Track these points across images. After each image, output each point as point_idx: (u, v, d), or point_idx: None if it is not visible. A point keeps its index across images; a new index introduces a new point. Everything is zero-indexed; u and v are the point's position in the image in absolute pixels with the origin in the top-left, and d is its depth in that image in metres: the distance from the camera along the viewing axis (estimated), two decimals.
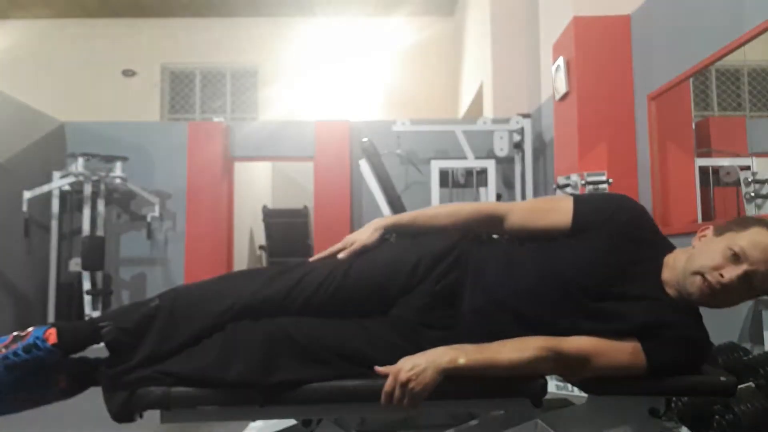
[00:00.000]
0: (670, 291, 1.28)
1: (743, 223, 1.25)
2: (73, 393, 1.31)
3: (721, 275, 1.19)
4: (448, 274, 1.31)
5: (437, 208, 1.47)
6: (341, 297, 1.29)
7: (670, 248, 1.34)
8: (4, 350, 1.23)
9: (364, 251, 1.38)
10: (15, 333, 1.26)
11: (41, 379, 1.27)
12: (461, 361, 1.18)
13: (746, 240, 1.20)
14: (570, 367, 1.25)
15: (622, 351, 1.23)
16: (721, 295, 1.21)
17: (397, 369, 1.17)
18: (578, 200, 1.38)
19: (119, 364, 1.24)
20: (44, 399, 1.29)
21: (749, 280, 1.20)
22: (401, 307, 1.29)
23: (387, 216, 1.45)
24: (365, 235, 1.40)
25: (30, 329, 1.26)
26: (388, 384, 1.17)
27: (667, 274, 1.29)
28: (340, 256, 1.37)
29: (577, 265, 1.29)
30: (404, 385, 1.16)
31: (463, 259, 1.34)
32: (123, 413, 1.22)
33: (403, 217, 1.46)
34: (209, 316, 1.26)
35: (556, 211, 1.37)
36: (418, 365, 1.17)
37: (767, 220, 1.26)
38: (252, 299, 1.27)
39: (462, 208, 1.44)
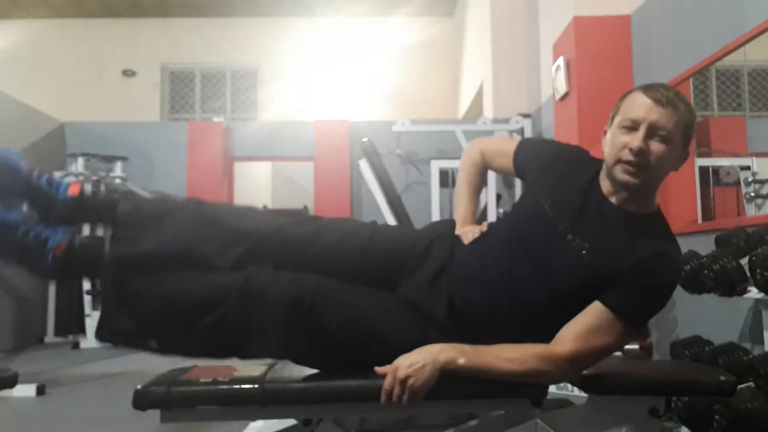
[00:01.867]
0: (616, 199, 1.29)
1: (622, 100, 1.30)
2: (63, 270, 1.26)
3: (630, 148, 1.22)
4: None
5: (459, 189, 1.62)
6: (363, 257, 1.33)
7: (601, 164, 1.36)
8: (33, 171, 1.24)
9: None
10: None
11: (45, 218, 1.26)
12: (460, 361, 1.18)
13: (630, 109, 1.25)
14: (566, 372, 1.26)
15: (602, 331, 1.22)
16: (647, 164, 1.22)
17: (395, 366, 1.18)
18: (520, 146, 1.51)
19: (124, 246, 1.22)
20: (37, 260, 1.23)
21: (657, 136, 1.22)
22: (407, 285, 1.32)
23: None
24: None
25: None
26: (387, 382, 1.18)
27: (605, 187, 1.31)
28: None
29: (532, 224, 1.33)
30: (403, 382, 1.16)
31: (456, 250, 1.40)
32: (106, 333, 1.22)
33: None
34: (232, 233, 1.27)
35: (506, 155, 1.52)
36: (417, 362, 1.17)
37: (643, 85, 1.29)
38: (276, 233, 1.30)
39: (473, 180, 1.60)
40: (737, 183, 2.82)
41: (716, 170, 3.05)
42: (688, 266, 2.17)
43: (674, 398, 1.93)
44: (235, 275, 1.23)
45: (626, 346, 3.06)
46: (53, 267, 1.23)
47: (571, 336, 1.22)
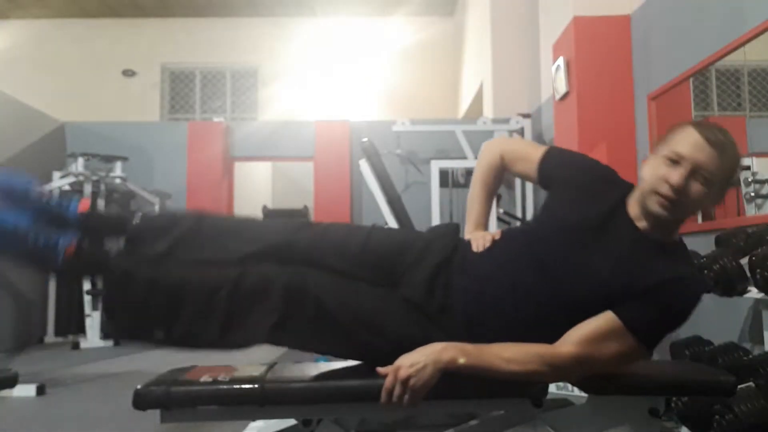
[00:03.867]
0: (641, 225, 1.29)
1: (671, 131, 1.28)
2: (71, 269, 1.32)
3: (670, 183, 1.20)
4: (450, 263, 1.36)
5: (473, 191, 1.57)
6: (363, 255, 1.35)
7: (632, 188, 1.36)
8: (43, 194, 1.33)
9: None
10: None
11: (57, 228, 1.32)
12: (461, 361, 1.18)
13: (678, 142, 1.22)
14: (567, 374, 1.27)
15: (610, 339, 1.21)
16: (680, 201, 1.21)
17: (396, 366, 1.18)
18: (546, 154, 1.44)
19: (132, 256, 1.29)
20: (47, 258, 1.28)
21: (699, 176, 1.20)
22: (406, 284, 1.33)
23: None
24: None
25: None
26: (388, 381, 1.17)
27: (632, 210, 1.30)
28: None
29: (550, 235, 1.32)
30: (404, 382, 1.16)
31: (461, 253, 1.39)
32: (113, 330, 1.28)
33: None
34: (234, 251, 1.31)
35: (530, 161, 1.46)
36: (418, 362, 1.17)
37: (696, 121, 1.27)
38: (279, 243, 1.32)
39: (488, 182, 1.55)
40: (737, 183, 2.81)
41: None
42: None
43: (674, 398, 1.93)
44: (234, 267, 1.28)
45: None
46: (62, 266, 1.29)
47: (576, 339, 1.21)
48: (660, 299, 1.21)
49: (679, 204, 1.22)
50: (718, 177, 1.21)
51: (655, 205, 1.23)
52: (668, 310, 1.23)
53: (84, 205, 1.33)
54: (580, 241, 1.28)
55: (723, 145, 1.20)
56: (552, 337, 1.24)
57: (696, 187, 1.21)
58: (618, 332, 1.21)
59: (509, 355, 1.21)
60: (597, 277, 1.24)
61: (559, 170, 1.41)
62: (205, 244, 1.32)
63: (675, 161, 1.21)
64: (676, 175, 1.20)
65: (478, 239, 1.41)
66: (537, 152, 1.45)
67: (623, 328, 1.20)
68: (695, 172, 1.20)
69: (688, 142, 1.21)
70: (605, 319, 1.22)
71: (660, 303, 1.22)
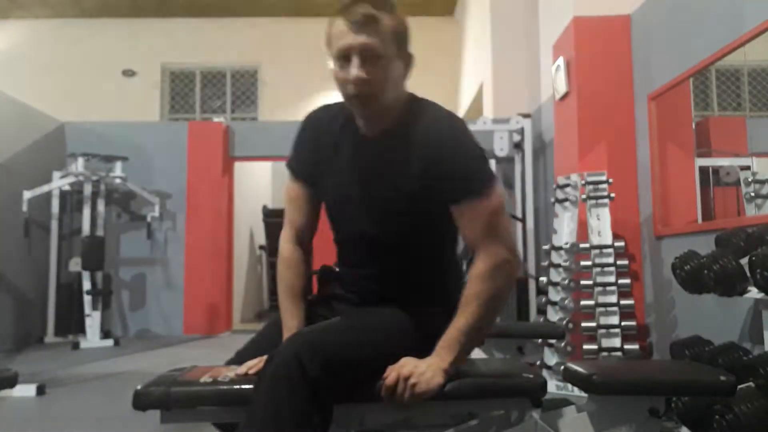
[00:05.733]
0: (371, 135, 1.30)
1: (327, 32, 1.29)
2: None
3: (352, 82, 1.20)
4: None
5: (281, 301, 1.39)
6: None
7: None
8: None
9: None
10: None
11: None
12: (457, 358, 1.20)
13: (336, 39, 1.23)
14: (511, 269, 1.24)
15: (491, 217, 1.22)
16: (371, 89, 1.20)
17: (400, 365, 1.17)
18: (289, 168, 1.48)
19: None
20: None
21: (370, 57, 1.19)
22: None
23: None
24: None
25: None
26: (391, 377, 1.16)
27: (360, 126, 1.31)
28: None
29: (341, 206, 1.38)
30: (406, 379, 1.15)
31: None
32: None
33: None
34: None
35: (292, 192, 1.46)
36: (419, 367, 1.17)
37: (340, 8, 1.26)
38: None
39: (290, 284, 1.39)
40: (737, 183, 2.82)
41: (716, 170, 3.05)
42: (688, 266, 2.17)
43: (674, 398, 1.93)
44: None
45: (626, 346, 3.06)
46: None
47: (479, 243, 1.22)
48: (449, 163, 1.22)
49: (372, 95, 1.21)
50: (387, 46, 1.20)
51: (360, 108, 1.25)
52: (462, 156, 1.24)
53: None
54: (350, 194, 1.32)
55: (372, 17, 1.19)
56: (434, 261, 1.34)
57: (373, 68, 1.19)
58: (477, 207, 1.22)
59: (467, 311, 1.21)
60: (384, 204, 1.28)
61: (305, 158, 1.44)
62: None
63: (345, 59, 1.21)
64: (351, 69, 1.20)
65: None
66: (289, 181, 1.47)
67: (473, 202, 1.22)
68: (365, 57, 1.19)
69: (342, 33, 1.21)
70: (465, 215, 1.23)
71: (453, 164, 1.22)
